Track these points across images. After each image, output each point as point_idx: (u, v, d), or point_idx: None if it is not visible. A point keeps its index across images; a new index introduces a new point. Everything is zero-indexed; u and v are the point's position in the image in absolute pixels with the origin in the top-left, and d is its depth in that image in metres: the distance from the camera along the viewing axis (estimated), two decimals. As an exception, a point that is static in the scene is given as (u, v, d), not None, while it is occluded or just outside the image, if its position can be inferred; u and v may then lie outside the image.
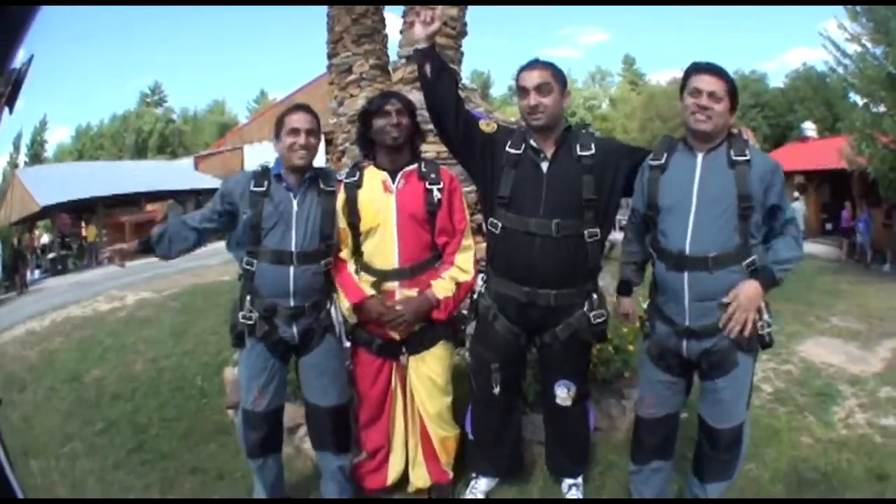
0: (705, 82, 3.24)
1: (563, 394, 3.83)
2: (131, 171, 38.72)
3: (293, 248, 3.72)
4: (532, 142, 3.65)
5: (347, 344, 4.03)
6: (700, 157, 3.32)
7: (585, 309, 3.72)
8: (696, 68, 3.33)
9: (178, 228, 3.88)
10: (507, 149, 3.68)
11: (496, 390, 3.85)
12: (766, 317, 3.31)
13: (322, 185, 3.84)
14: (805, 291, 12.24)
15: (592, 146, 3.62)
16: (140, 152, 66.35)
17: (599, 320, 3.74)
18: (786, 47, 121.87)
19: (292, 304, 3.76)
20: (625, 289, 3.89)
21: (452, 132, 3.77)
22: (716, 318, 3.28)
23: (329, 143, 7.46)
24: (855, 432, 5.47)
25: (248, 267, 3.78)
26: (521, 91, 3.63)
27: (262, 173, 3.83)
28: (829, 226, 25.58)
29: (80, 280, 22.90)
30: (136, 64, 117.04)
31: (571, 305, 3.71)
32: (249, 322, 3.75)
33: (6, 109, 1.79)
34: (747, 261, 3.25)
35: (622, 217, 4.45)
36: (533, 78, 3.58)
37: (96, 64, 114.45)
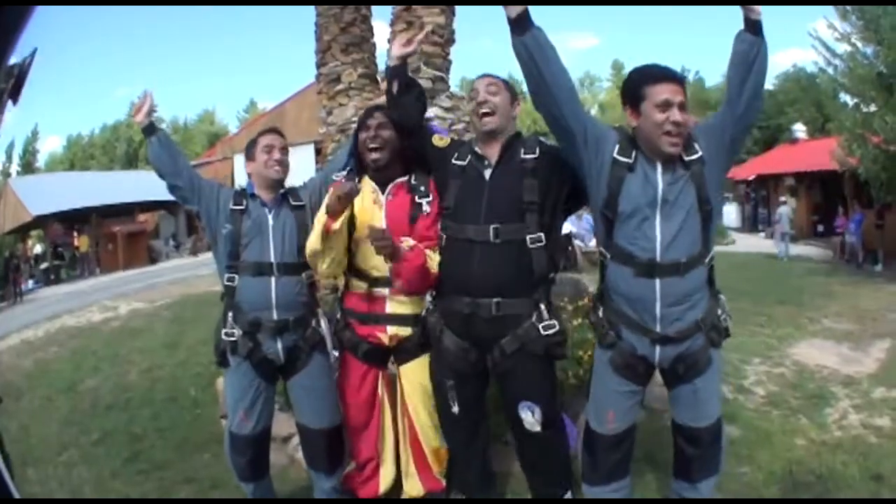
0: (672, 92, 3.04)
1: (529, 417, 3.59)
2: (123, 180, 38.73)
3: (273, 259, 3.74)
4: (477, 149, 3.63)
5: (336, 354, 4.01)
6: (659, 165, 3.13)
7: (534, 320, 3.52)
8: (658, 75, 3.10)
9: (172, 148, 4.08)
10: (453, 160, 3.68)
11: (454, 409, 3.72)
12: (726, 309, 3.31)
13: (292, 202, 3.92)
14: (797, 293, 12.28)
15: (537, 149, 3.54)
16: (131, 162, 66.10)
17: (550, 331, 3.49)
18: (775, 49, 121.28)
19: (275, 316, 3.72)
20: None
21: (412, 145, 3.83)
22: (688, 322, 3.19)
23: (318, 152, 7.44)
24: (849, 433, 5.48)
25: (229, 283, 3.78)
26: (472, 93, 3.63)
27: (240, 193, 3.91)
28: (820, 227, 25.65)
29: (73, 290, 22.94)
30: (126, 74, 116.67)
31: (517, 316, 3.51)
32: (232, 339, 3.73)
33: (9, 102, 1.80)
34: (707, 258, 3.21)
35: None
36: (482, 83, 3.60)
37: (87, 73, 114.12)
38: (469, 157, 3.65)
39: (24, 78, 1.81)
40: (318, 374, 3.89)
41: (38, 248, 35.55)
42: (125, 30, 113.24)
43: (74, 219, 31.87)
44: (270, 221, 3.80)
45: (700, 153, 3.10)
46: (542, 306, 3.51)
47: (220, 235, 3.81)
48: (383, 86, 6.68)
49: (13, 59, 1.77)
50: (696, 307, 3.21)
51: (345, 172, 3.90)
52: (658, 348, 3.24)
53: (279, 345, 3.76)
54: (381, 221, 3.73)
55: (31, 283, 28.59)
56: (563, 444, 3.89)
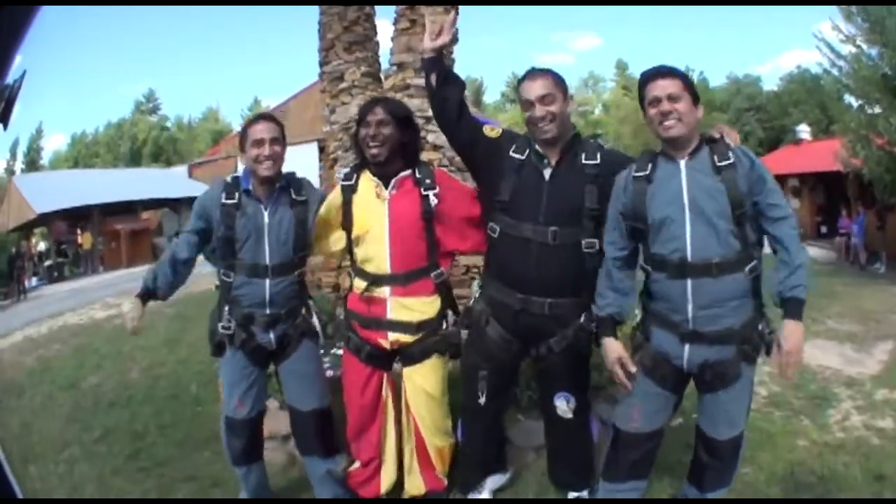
0: (660, 87, 3.18)
1: (563, 406, 3.78)
2: (127, 178, 38.80)
3: (267, 262, 3.76)
4: (537, 147, 3.62)
5: (321, 342, 4.09)
6: (682, 163, 3.22)
7: (583, 321, 3.63)
8: (648, 76, 3.26)
9: (170, 274, 3.84)
10: (511, 153, 3.65)
11: (482, 400, 3.81)
12: (770, 325, 3.26)
13: (294, 195, 3.85)
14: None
15: (598, 156, 3.58)
16: (135, 160, 66.36)
17: (585, 332, 3.65)
18: (780, 50, 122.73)
19: (268, 312, 3.81)
20: (609, 329, 3.50)
21: (458, 138, 3.81)
22: (721, 325, 3.18)
23: (321, 150, 7.44)
24: (851, 435, 5.46)
25: (225, 278, 3.82)
26: (526, 104, 3.57)
27: (233, 184, 3.83)
28: (824, 228, 25.61)
29: (76, 287, 22.94)
30: (130, 71, 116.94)
31: (567, 316, 3.64)
32: (228, 332, 3.81)
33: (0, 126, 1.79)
34: (749, 266, 3.15)
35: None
36: (535, 89, 3.54)
37: (91, 71, 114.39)
38: (528, 152, 3.64)
39: (14, 100, 1.80)
40: (306, 359, 3.97)
41: (41, 246, 35.57)
42: (130, 28, 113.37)
43: (78, 216, 31.87)
44: (266, 219, 3.77)
45: (733, 160, 3.13)
46: (593, 308, 3.57)
47: (215, 238, 3.81)
48: (386, 84, 6.70)
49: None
50: (732, 315, 3.19)
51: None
52: (687, 347, 3.25)
53: (271, 335, 3.85)
54: (383, 216, 3.74)
55: (34, 280, 28.61)
56: (588, 434, 4.05)
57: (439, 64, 3.72)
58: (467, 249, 4.06)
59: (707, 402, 3.41)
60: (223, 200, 3.76)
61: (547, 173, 3.59)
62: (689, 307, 3.18)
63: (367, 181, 3.86)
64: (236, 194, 3.77)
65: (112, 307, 14.03)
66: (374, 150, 3.72)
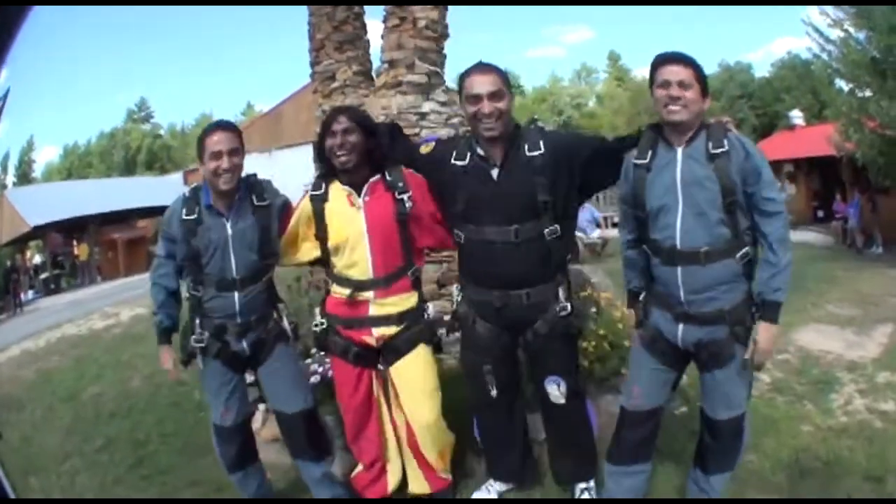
0: (672, 73, 3.22)
1: (555, 391, 3.83)
2: (121, 187, 38.75)
3: (235, 275, 3.75)
4: (479, 150, 3.66)
5: (320, 353, 4.24)
6: (679, 151, 3.29)
7: (562, 301, 3.73)
8: (662, 60, 3.29)
9: (167, 307, 3.95)
10: (453, 161, 3.73)
11: (493, 392, 3.87)
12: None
13: (255, 201, 3.80)
14: (799, 279, 12.17)
15: (541, 144, 3.61)
16: (129, 169, 66.24)
17: (563, 313, 3.72)
18: (771, 36, 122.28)
19: (239, 321, 3.80)
20: (632, 300, 3.77)
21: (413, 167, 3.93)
22: (712, 307, 3.28)
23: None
24: (854, 419, 5.47)
25: (194, 293, 3.81)
26: (473, 98, 3.57)
27: (192, 197, 3.78)
28: (820, 213, 25.63)
29: (74, 299, 22.86)
30: (121, 80, 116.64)
31: (545, 301, 3.72)
32: (202, 344, 3.80)
33: None
34: (740, 252, 3.25)
35: (615, 214, 4.47)
36: (485, 83, 3.55)
37: (82, 82, 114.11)
38: (470, 156, 3.68)
39: None
40: (283, 360, 3.97)
41: (37, 259, 35.53)
42: (119, 36, 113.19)
43: (74, 227, 31.84)
44: (229, 231, 3.72)
45: (727, 149, 3.18)
46: (561, 290, 3.72)
47: (178, 253, 3.81)
48: (378, 82, 6.68)
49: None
50: (721, 299, 3.28)
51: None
52: (681, 326, 3.38)
53: (244, 343, 3.85)
54: (361, 224, 3.74)
55: (31, 293, 28.58)
56: (587, 423, 4.10)
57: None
58: (435, 244, 4.13)
59: (706, 382, 3.51)
60: (183, 216, 3.72)
61: (495, 173, 3.65)
62: (681, 292, 3.31)
63: (337, 190, 3.84)
64: (196, 209, 3.72)
65: (111, 317, 13.96)
66: (343, 158, 3.71)
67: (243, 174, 3.81)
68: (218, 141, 3.62)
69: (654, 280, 3.50)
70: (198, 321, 3.81)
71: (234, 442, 3.96)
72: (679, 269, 3.28)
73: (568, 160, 3.61)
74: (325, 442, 4.12)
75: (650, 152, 3.36)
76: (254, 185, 3.85)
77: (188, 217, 3.70)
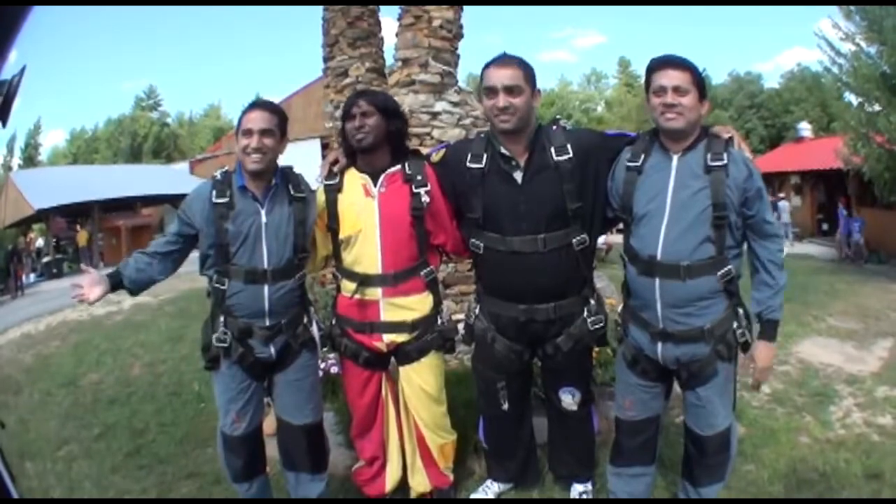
0: (668, 77, 3.08)
1: (569, 400, 3.79)
2: (127, 175, 38.74)
3: (266, 266, 3.47)
4: (501, 149, 3.45)
5: (324, 350, 3.96)
6: (675, 159, 3.16)
7: (585, 315, 3.59)
8: (657, 63, 3.16)
9: (136, 260, 3.58)
10: (468, 164, 3.52)
11: (505, 406, 3.81)
12: (743, 323, 3.25)
13: (292, 192, 3.57)
14: (801, 292, 12.24)
15: (569, 148, 3.40)
16: (135, 156, 66.20)
17: (598, 326, 3.62)
18: (781, 48, 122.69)
19: (268, 323, 3.53)
20: None
21: None
22: (691, 325, 3.18)
23: (325, 147, 7.42)
24: (852, 432, 5.46)
25: (218, 285, 3.50)
26: (489, 91, 3.37)
27: (223, 181, 3.50)
28: (825, 226, 25.64)
29: (75, 283, 22.82)
30: (131, 67, 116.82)
31: (571, 314, 3.58)
32: (224, 345, 3.51)
33: None
34: (722, 271, 3.13)
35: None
36: (503, 77, 3.34)
37: (91, 67, 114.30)
38: (488, 156, 3.50)
39: (13, 97, 1.76)
40: (305, 371, 3.73)
41: (40, 242, 35.56)
42: (130, 24, 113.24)
43: (77, 212, 31.86)
44: (263, 219, 3.46)
45: (726, 162, 3.07)
46: (592, 301, 3.61)
47: (203, 240, 3.51)
48: (391, 80, 6.68)
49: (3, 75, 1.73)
50: (701, 316, 3.18)
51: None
52: (660, 345, 3.27)
53: (272, 348, 3.58)
54: (373, 214, 3.61)
55: (33, 276, 28.60)
56: (590, 425, 4.04)
57: None
58: (453, 249, 3.88)
59: (688, 399, 3.43)
60: (214, 200, 3.43)
61: (518, 177, 3.45)
62: (658, 305, 3.21)
63: (353, 178, 3.71)
64: (228, 192, 3.45)
65: (112, 303, 13.96)
66: (360, 136, 3.55)
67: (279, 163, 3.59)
68: (252, 119, 3.40)
69: (631, 294, 3.40)
70: (221, 319, 3.51)
71: (242, 453, 3.68)
72: (657, 282, 3.16)
73: (595, 164, 3.43)
74: (324, 457, 3.96)
75: (643, 155, 3.24)
76: (288, 176, 3.62)
77: (219, 200, 3.42)
